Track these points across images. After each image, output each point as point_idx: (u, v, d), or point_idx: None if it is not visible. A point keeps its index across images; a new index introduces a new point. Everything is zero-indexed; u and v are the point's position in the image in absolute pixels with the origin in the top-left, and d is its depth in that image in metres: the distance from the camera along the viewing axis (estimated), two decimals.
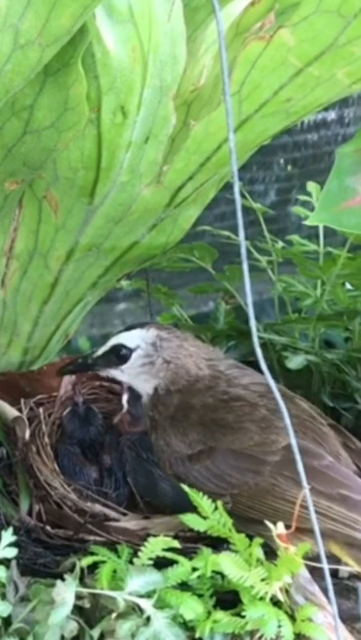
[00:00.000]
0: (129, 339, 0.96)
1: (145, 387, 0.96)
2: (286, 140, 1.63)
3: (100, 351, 0.98)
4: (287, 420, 0.73)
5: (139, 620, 0.76)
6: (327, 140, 1.61)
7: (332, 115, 1.60)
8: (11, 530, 0.81)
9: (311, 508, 0.74)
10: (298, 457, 0.73)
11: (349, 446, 0.92)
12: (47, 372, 1.10)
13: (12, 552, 0.80)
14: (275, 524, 0.78)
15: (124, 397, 1.06)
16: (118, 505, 0.99)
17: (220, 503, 0.81)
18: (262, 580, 0.76)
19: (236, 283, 1.21)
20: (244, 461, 0.87)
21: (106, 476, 1.02)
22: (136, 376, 0.96)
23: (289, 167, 1.65)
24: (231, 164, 0.70)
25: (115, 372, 0.98)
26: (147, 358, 0.95)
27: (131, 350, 0.96)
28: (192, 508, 0.81)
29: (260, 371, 0.73)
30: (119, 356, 0.96)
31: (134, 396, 1.05)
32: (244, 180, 1.60)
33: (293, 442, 0.73)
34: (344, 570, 0.85)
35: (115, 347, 0.96)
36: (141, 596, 0.77)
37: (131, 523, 0.95)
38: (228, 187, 1.06)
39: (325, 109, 1.58)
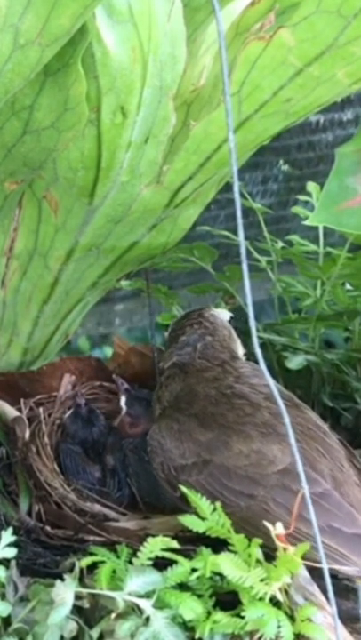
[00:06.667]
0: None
1: None
2: (301, 140, 1.63)
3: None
4: (287, 420, 0.72)
5: (138, 620, 0.76)
6: (343, 140, 1.60)
7: (348, 115, 1.60)
8: (10, 530, 0.81)
9: (310, 508, 0.74)
10: (298, 457, 0.73)
11: (355, 464, 0.91)
12: (47, 372, 1.10)
13: (11, 552, 0.80)
14: (266, 542, 0.77)
15: (122, 399, 1.06)
16: (119, 505, 0.99)
17: (218, 504, 0.80)
18: (262, 580, 0.76)
19: (236, 283, 1.21)
20: (238, 483, 0.85)
21: (109, 477, 1.02)
22: None
23: (298, 167, 1.65)
24: (231, 163, 0.70)
25: None
26: None
27: None
28: (193, 512, 0.81)
29: None
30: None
31: (132, 397, 1.06)
32: (257, 180, 1.60)
33: (293, 441, 0.73)
34: (344, 570, 0.85)
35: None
36: (141, 597, 0.77)
37: (130, 523, 0.95)
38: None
39: (342, 109, 1.58)
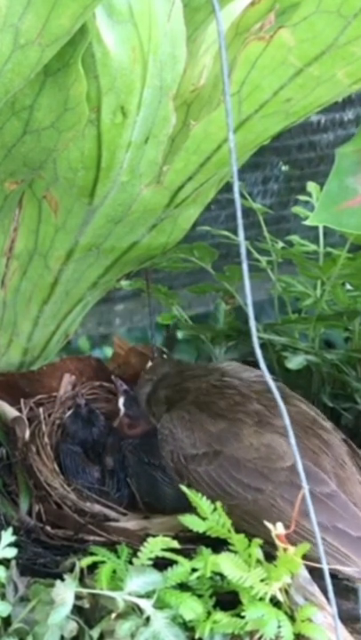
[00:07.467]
0: None
1: None
2: (302, 140, 1.62)
3: None
4: (287, 420, 0.72)
5: (138, 620, 0.76)
6: (343, 140, 1.60)
7: (349, 115, 1.60)
8: (10, 530, 0.81)
9: (310, 504, 0.74)
10: (297, 456, 0.73)
11: (357, 462, 0.91)
12: (47, 372, 1.10)
13: (11, 552, 0.81)
14: (268, 537, 0.77)
15: (121, 400, 1.06)
16: (119, 505, 0.99)
17: (219, 504, 0.80)
18: (262, 580, 0.76)
19: (236, 283, 1.21)
20: (247, 476, 0.85)
21: (108, 477, 1.02)
22: None
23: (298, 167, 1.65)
24: (231, 163, 0.70)
25: None
26: None
27: None
28: (193, 512, 0.81)
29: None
30: None
31: (131, 397, 1.06)
32: (257, 180, 1.60)
33: (293, 441, 0.73)
34: (344, 570, 0.85)
35: None
36: (141, 597, 0.77)
37: (130, 523, 0.95)
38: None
39: (343, 109, 1.58)
